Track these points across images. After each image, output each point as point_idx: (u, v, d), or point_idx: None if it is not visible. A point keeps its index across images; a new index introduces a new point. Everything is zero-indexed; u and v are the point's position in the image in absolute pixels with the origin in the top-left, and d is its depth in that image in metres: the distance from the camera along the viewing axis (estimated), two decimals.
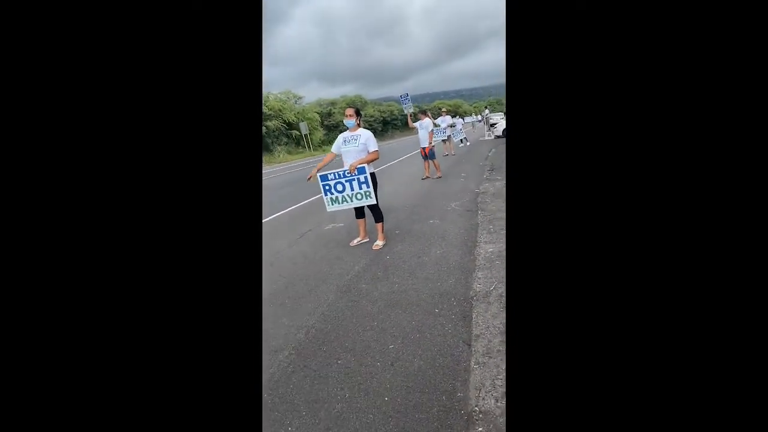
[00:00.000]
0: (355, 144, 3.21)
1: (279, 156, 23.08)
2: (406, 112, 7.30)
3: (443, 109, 10.55)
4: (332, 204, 3.36)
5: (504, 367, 1.59)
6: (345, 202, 3.32)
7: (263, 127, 22.62)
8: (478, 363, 1.66)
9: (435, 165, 7.13)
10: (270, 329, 2.21)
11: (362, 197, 3.27)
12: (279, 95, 27.69)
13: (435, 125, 9.01)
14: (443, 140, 10.27)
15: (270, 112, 24.10)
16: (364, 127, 3.41)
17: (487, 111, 21.05)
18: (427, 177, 7.12)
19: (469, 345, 1.80)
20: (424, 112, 7.34)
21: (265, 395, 1.64)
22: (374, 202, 3.30)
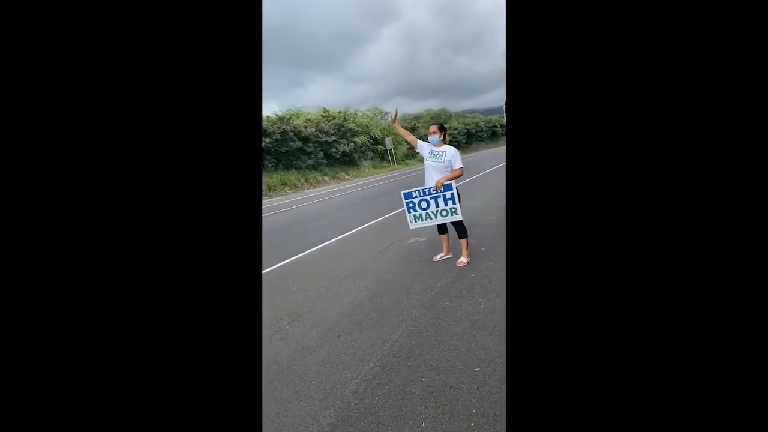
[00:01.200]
0: (441, 160, 3.21)
1: (365, 170, 24.12)
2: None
3: None
4: (415, 221, 3.39)
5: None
6: (429, 219, 3.33)
7: (351, 143, 23.89)
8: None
9: None
10: (356, 339, 2.29)
11: (448, 213, 3.25)
12: (366, 112, 29.10)
13: None
14: None
15: (357, 128, 25.39)
16: (450, 141, 3.40)
17: None
18: None
19: None
20: None
21: (351, 404, 1.71)
22: (460, 218, 3.25)
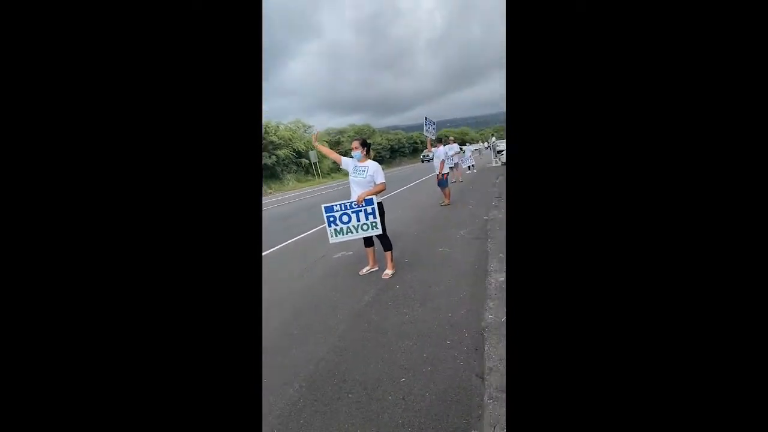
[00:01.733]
0: (363, 176, 3.27)
1: (288, 184, 23.47)
2: (429, 137, 7.24)
3: (450, 138, 10.71)
4: (335, 235, 3.37)
5: None
6: (350, 233, 3.34)
7: (274, 156, 23.12)
8: (491, 398, 1.62)
9: (446, 192, 7.18)
10: (280, 361, 2.19)
11: (369, 227, 3.29)
12: (289, 125, 28.45)
13: (461, 150, 9.23)
14: (450, 167, 10.38)
15: (280, 141, 24.70)
16: (374, 156, 3.48)
17: (493, 138, 21.32)
18: (445, 203, 7.16)
19: (482, 378, 1.76)
20: (440, 140, 7.47)
21: (275, 430, 1.62)
22: (380, 232, 3.32)
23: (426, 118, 7.30)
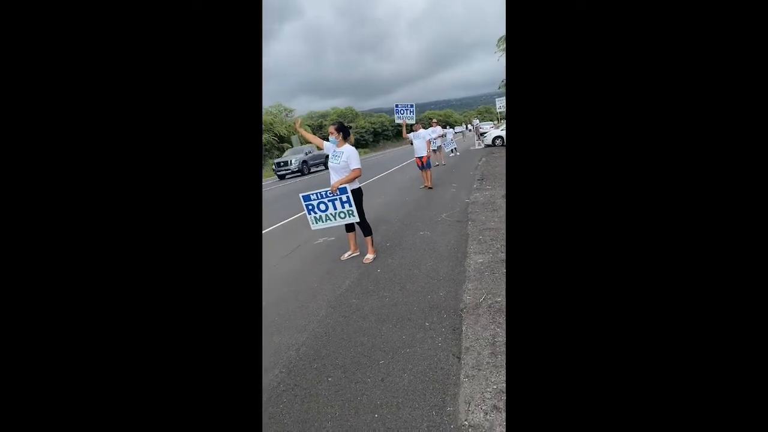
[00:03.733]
0: (338, 161, 3.24)
1: (270, 170, 23.08)
2: (408, 122, 6.87)
3: (434, 120, 10.65)
4: (316, 222, 3.38)
5: (493, 379, 1.61)
6: (329, 221, 3.34)
7: None
8: (467, 376, 1.67)
9: (428, 175, 7.20)
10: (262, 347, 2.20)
11: (345, 215, 3.30)
12: (269, 109, 27.81)
13: (444, 134, 9.11)
14: (433, 150, 10.37)
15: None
16: (356, 140, 3.44)
17: (476, 120, 21.34)
18: (426, 186, 7.16)
19: (459, 358, 1.81)
20: (418, 123, 7.39)
21: None
22: (357, 220, 3.31)
23: (396, 105, 6.90)
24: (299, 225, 5.50)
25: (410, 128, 7.18)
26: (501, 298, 2.29)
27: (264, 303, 2.84)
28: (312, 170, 17.04)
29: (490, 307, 2.22)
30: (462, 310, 2.26)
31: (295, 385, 1.80)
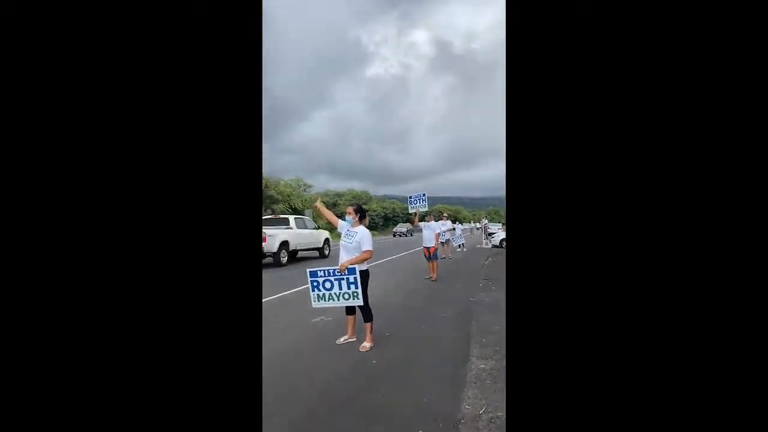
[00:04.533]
0: (350, 240, 3.30)
1: None
2: (420, 210, 6.94)
3: (444, 214, 10.99)
4: (318, 300, 3.31)
5: None
6: (331, 300, 3.27)
7: (269, 210, 23.32)
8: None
9: (434, 266, 7.20)
10: None
11: (350, 297, 3.23)
12: (289, 182, 29.20)
13: (453, 228, 9.32)
14: (442, 243, 10.51)
15: (278, 197, 25.10)
16: (369, 222, 3.53)
17: (485, 220, 21.94)
18: (431, 278, 7.12)
19: None
20: (430, 214, 7.62)
21: None
22: (361, 303, 3.25)
23: (410, 197, 7.07)
24: (300, 298, 5.39)
25: (423, 217, 7.37)
26: (502, 414, 2.12)
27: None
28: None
29: (490, 421, 2.05)
30: (459, 421, 2.09)
31: None
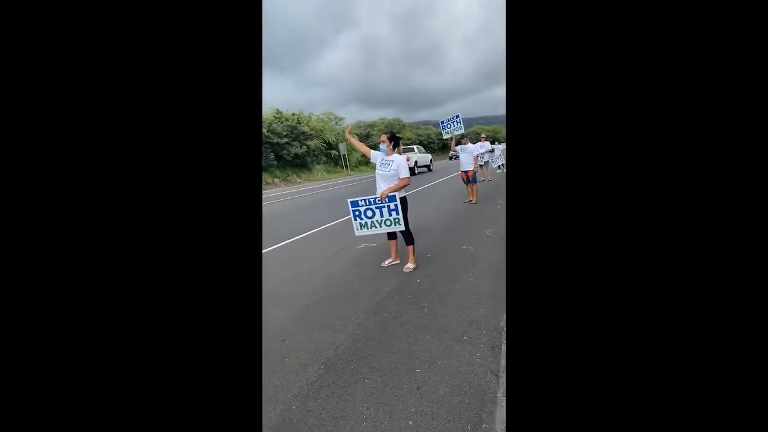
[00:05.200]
0: (388, 169, 3.31)
1: (318, 174, 23.83)
2: (456, 134, 6.66)
3: (482, 135, 10.50)
4: (361, 228, 3.45)
5: None
6: (374, 228, 3.40)
7: (305, 146, 23.50)
8: (505, 395, 1.63)
9: (473, 190, 7.12)
10: (301, 343, 2.28)
11: (392, 223, 3.35)
12: (320, 116, 28.81)
13: (492, 148, 9.10)
14: (480, 165, 10.23)
15: (311, 132, 25.04)
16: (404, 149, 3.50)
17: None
18: (470, 201, 7.10)
19: (497, 376, 1.78)
20: (466, 137, 7.33)
21: (293, 407, 1.70)
22: (403, 228, 3.36)
23: (442, 121, 6.70)
24: (342, 229, 5.64)
25: (459, 141, 7.12)
26: None
27: (305, 302, 2.94)
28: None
29: None
30: (502, 329, 2.21)
31: (333, 382, 1.85)
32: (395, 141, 3.43)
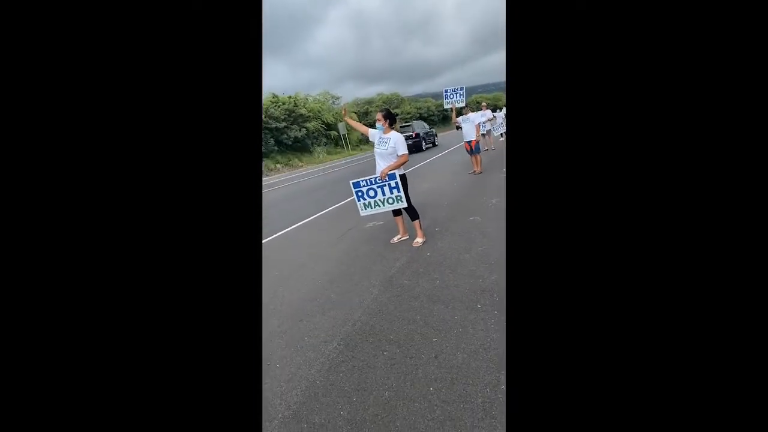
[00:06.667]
0: (385, 147, 3.29)
1: (319, 156, 23.69)
2: (457, 105, 6.71)
3: (483, 103, 10.29)
4: (365, 209, 3.48)
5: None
6: (378, 206, 3.43)
7: (304, 129, 23.28)
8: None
9: (477, 160, 7.05)
10: (318, 322, 2.34)
11: (394, 201, 3.36)
12: (317, 97, 28.36)
13: (494, 116, 9.01)
14: (482, 134, 10.07)
15: (309, 114, 24.73)
16: (401, 126, 3.46)
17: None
18: (474, 172, 7.04)
19: None
20: (467, 107, 7.21)
21: (317, 382, 1.77)
22: (405, 205, 3.37)
23: (445, 90, 6.75)
24: (347, 210, 5.66)
25: (460, 112, 7.01)
26: None
27: (319, 282, 3.00)
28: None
29: None
30: None
31: (353, 356, 1.91)
32: (391, 118, 3.39)
